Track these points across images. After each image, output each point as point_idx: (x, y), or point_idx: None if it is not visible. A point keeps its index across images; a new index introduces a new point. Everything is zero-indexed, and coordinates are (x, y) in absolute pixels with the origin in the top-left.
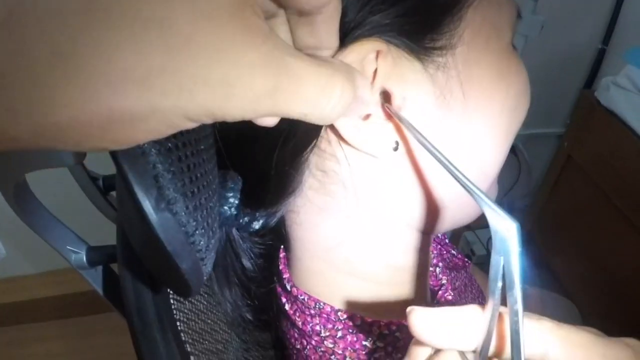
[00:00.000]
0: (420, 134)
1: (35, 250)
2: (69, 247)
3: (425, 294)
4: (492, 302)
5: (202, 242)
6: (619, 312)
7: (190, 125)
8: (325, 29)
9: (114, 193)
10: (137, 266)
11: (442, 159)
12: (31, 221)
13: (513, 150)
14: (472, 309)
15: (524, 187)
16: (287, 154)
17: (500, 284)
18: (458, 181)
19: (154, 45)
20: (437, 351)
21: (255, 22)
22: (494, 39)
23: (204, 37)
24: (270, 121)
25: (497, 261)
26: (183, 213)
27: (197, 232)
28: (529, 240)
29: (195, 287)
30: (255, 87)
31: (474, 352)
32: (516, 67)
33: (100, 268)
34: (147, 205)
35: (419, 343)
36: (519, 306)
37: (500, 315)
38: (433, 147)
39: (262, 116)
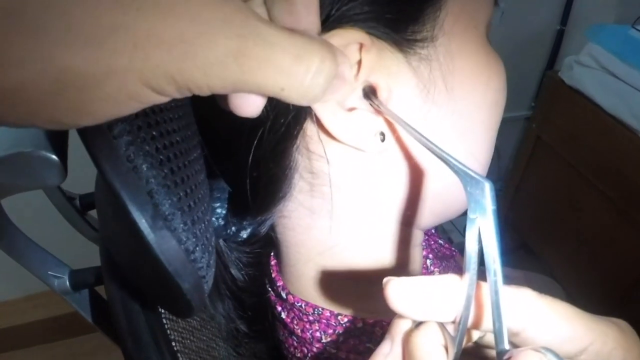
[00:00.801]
0: (403, 121)
1: (18, 273)
2: (50, 273)
3: None
4: (470, 269)
5: (203, 259)
6: (602, 286)
7: (154, 96)
8: (304, 5)
9: (91, 212)
10: (126, 287)
11: (420, 137)
12: (10, 248)
13: None
14: (449, 278)
15: (494, 171)
16: (270, 149)
17: (477, 247)
18: (432, 152)
19: (105, 1)
20: (418, 324)
21: None
22: (472, 29)
23: None
24: (252, 108)
25: (472, 224)
26: (182, 229)
27: (197, 248)
28: (505, 224)
29: (197, 306)
30: (217, 48)
31: (454, 323)
32: (495, 62)
33: (85, 291)
34: (144, 224)
35: (401, 317)
36: (497, 266)
37: (478, 283)
38: (412, 128)
39: (232, 87)
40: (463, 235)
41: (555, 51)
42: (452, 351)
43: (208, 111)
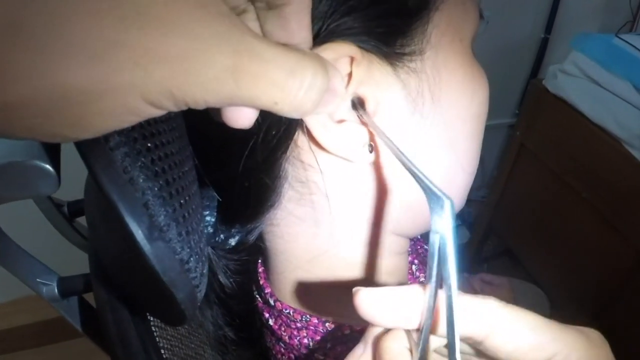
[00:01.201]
0: (382, 132)
1: (5, 278)
2: (39, 280)
3: None
4: (431, 281)
5: (197, 269)
6: (586, 292)
7: (152, 111)
8: (296, 20)
9: (79, 219)
10: (115, 295)
11: (395, 149)
12: None
13: None
14: (413, 288)
15: (477, 179)
16: (261, 160)
17: (437, 261)
18: (403, 164)
19: (106, 18)
20: (388, 330)
21: (211, 1)
22: (458, 42)
23: (159, 10)
24: (244, 120)
25: (434, 239)
26: (176, 240)
27: (191, 258)
28: (489, 230)
29: (191, 315)
30: (214, 64)
31: (418, 330)
32: (479, 75)
33: (73, 298)
34: (140, 235)
35: (374, 325)
36: (453, 281)
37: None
38: (388, 140)
39: (228, 101)
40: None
41: (540, 59)
42: (417, 355)
43: (199, 121)
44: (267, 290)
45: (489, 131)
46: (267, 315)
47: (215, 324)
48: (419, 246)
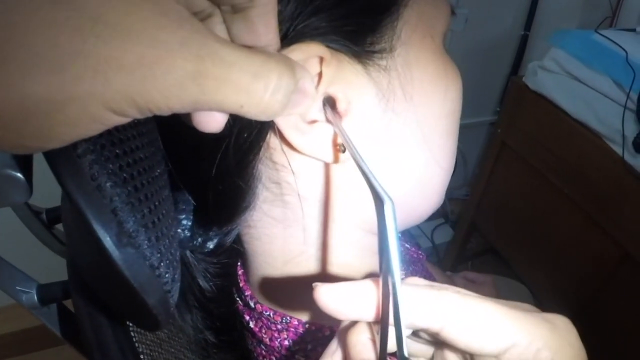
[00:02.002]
0: (342, 131)
1: None
2: (18, 288)
3: None
4: (382, 276)
5: (167, 274)
6: (570, 288)
7: (116, 118)
8: (262, 23)
9: (58, 226)
10: (93, 301)
11: (350, 147)
12: None
13: None
14: (367, 282)
15: (460, 177)
16: (234, 163)
17: (387, 256)
18: (357, 164)
19: (63, 28)
20: (354, 325)
21: (173, 7)
22: (429, 39)
23: (116, 18)
24: (214, 124)
25: (380, 235)
26: (146, 246)
27: (162, 264)
28: (472, 228)
29: (164, 320)
30: (175, 70)
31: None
32: (452, 71)
33: (53, 305)
34: (108, 242)
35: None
36: (397, 279)
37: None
38: (346, 138)
39: (193, 106)
40: (431, 240)
41: (520, 56)
42: (378, 345)
43: (171, 126)
44: (247, 293)
45: (470, 129)
46: (247, 317)
47: (195, 327)
48: (400, 245)
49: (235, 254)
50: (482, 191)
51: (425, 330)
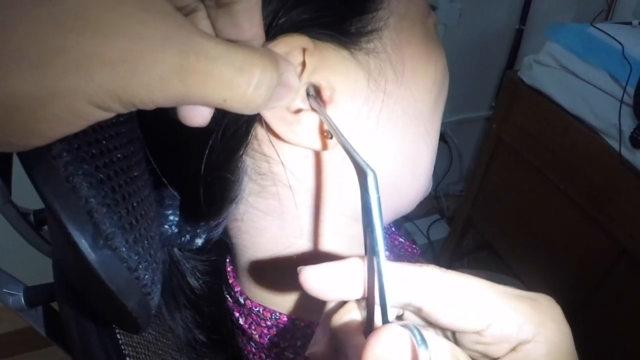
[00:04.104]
0: (325, 116)
1: None
2: (5, 290)
3: None
4: (367, 252)
5: (146, 276)
6: (567, 285)
7: (100, 113)
8: (246, 18)
9: (46, 227)
10: (78, 303)
11: (331, 127)
12: None
13: (443, 138)
14: (352, 260)
15: (456, 173)
16: (221, 157)
17: (372, 234)
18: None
19: (46, 24)
20: (340, 308)
21: (156, 2)
22: (420, 20)
23: (98, 14)
24: (200, 118)
25: (364, 211)
26: (123, 248)
27: (140, 266)
28: (468, 225)
29: (144, 323)
30: (158, 65)
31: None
32: (437, 44)
33: (40, 307)
34: (84, 244)
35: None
36: (381, 249)
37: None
38: (325, 118)
39: (176, 100)
40: (427, 236)
41: (515, 51)
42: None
43: (155, 122)
44: (237, 289)
45: (466, 124)
46: (237, 314)
47: (185, 327)
48: (394, 239)
49: (224, 250)
50: (478, 187)
51: (407, 306)
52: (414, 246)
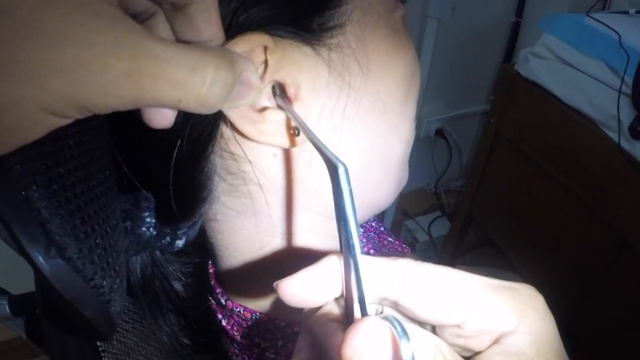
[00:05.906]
0: (292, 112)
1: None
2: None
3: None
4: (343, 249)
5: (104, 284)
6: (568, 279)
7: (56, 120)
8: (202, 19)
9: None
10: (57, 311)
11: (299, 122)
12: None
13: (441, 134)
14: (329, 260)
15: (456, 169)
16: (189, 157)
17: (345, 230)
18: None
19: None
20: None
21: (105, 9)
22: (385, 14)
23: (50, 22)
24: (164, 120)
25: (337, 207)
26: (77, 257)
27: (96, 275)
28: (469, 220)
29: (108, 331)
30: (109, 70)
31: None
32: (405, 37)
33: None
34: (37, 256)
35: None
36: (355, 241)
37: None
38: (292, 114)
39: (132, 104)
40: (428, 233)
41: (512, 43)
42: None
43: (125, 125)
44: (218, 290)
45: (464, 119)
46: (220, 316)
47: (169, 331)
48: (382, 239)
49: (207, 252)
50: (478, 182)
51: (383, 300)
52: (404, 245)
